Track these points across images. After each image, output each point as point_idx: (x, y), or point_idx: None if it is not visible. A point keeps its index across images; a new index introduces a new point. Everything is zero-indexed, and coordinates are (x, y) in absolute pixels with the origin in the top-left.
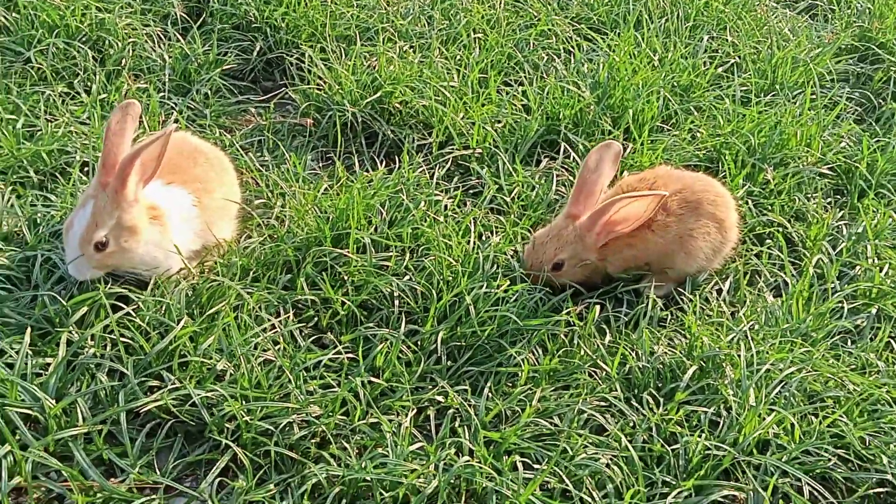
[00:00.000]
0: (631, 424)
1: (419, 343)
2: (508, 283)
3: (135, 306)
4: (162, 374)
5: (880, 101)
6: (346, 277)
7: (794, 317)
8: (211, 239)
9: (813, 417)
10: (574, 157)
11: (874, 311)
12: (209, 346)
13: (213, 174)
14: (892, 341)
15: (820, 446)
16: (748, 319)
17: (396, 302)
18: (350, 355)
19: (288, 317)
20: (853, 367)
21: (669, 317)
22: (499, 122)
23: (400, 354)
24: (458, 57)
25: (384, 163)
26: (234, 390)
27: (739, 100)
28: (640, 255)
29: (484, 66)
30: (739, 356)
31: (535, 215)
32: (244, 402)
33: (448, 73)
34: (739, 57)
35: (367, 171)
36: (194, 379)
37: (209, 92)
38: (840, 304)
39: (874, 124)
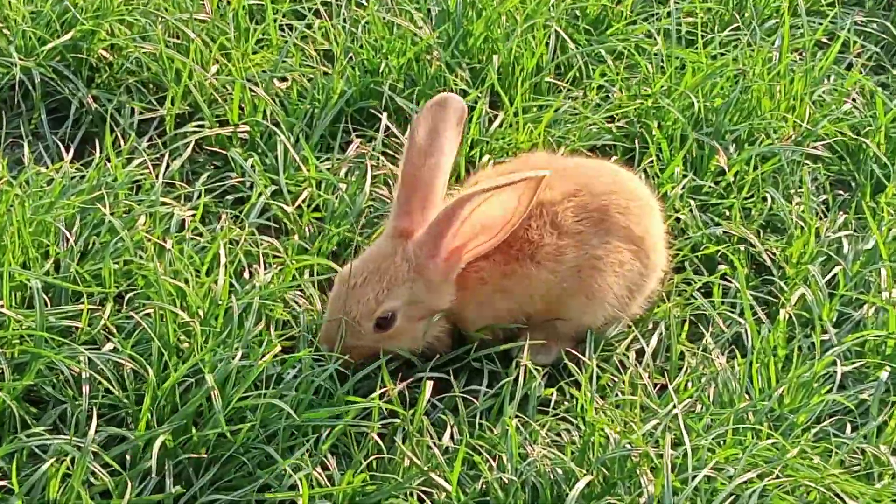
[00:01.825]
0: None
1: (126, 458)
2: (280, 349)
3: None
4: None
5: None
6: None
7: (759, 389)
8: None
9: None
10: (406, 138)
11: (885, 375)
12: None
13: None
14: None
15: None
16: (683, 396)
17: (87, 388)
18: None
19: None
20: (851, 467)
21: (556, 397)
22: (281, 80)
23: (91, 478)
24: None
25: (78, 152)
26: None
27: (681, 38)
28: (518, 304)
29: None
30: (663, 457)
31: (337, 233)
32: None
33: (194, 0)
34: None
35: (47, 165)
36: None
37: None
38: (833, 368)
39: None
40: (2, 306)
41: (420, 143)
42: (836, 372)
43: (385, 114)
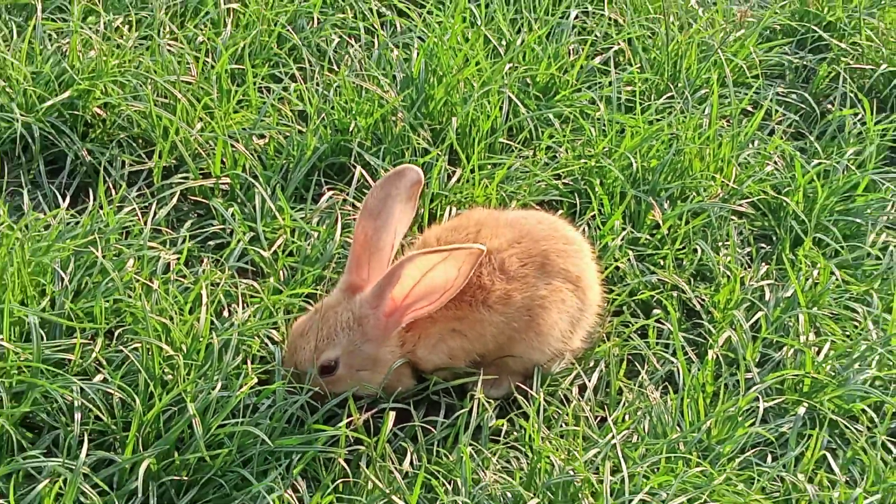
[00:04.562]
0: None
1: (113, 479)
2: (256, 381)
3: None
4: None
5: (828, 105)
6: None
7: (689, 422)
8: None
9: None
10: None
11: (802, 410)
12: None
13: None
14: (828, 455)
15: None
16: (621, 428)
17: (79, 416)
18: None
19: None
20: (772, 493)
21: (506, 427)
22: (260, 137)
23: (81, 498)
24: (199, 38)
25: (73, 200)
26: None
27: (621, 105)
28: (471, 344)
29: (238, 52)
30: (603, 482)
31: (311, 276)
32: None
33: (181, 63)
34: (624, 42)
35: (45, 212)
36: None
37: None
38: (756, 404)
39: (814, 141)
40: (1, 339)
41: (370, 206)
42: (758, 407)
43: (357, 168)
